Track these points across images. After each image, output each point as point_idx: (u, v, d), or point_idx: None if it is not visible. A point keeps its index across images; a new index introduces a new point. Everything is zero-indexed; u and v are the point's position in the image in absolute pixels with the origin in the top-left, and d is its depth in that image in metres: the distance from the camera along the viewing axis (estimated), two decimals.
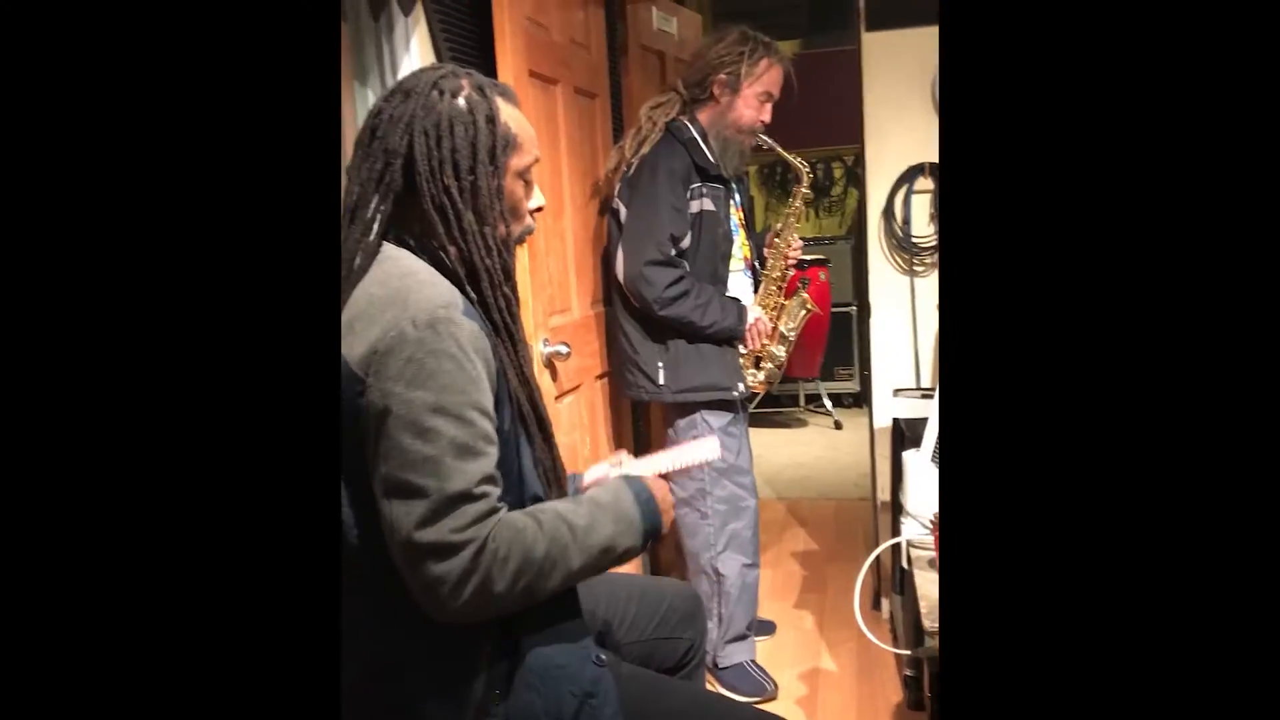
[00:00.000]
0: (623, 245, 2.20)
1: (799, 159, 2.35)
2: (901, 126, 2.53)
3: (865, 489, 3.78)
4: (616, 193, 2.27)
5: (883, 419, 2.63)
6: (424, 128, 1.08)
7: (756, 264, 2.45)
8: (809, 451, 4.52)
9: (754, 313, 2.30)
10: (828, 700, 2.25)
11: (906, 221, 2.58)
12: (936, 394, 1.92)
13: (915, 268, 2.60)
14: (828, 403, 5.11)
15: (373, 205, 1.09)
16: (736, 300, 2.28)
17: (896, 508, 2.14)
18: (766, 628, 2.60)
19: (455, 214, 1.09)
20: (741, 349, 2.31)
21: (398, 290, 1.03)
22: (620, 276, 2.21)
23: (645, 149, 2.22)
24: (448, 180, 1.08)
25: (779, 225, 2.40)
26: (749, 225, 2.43)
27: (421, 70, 1.14)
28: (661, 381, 2.22)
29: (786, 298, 2.40)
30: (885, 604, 2.67)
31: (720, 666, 2.30)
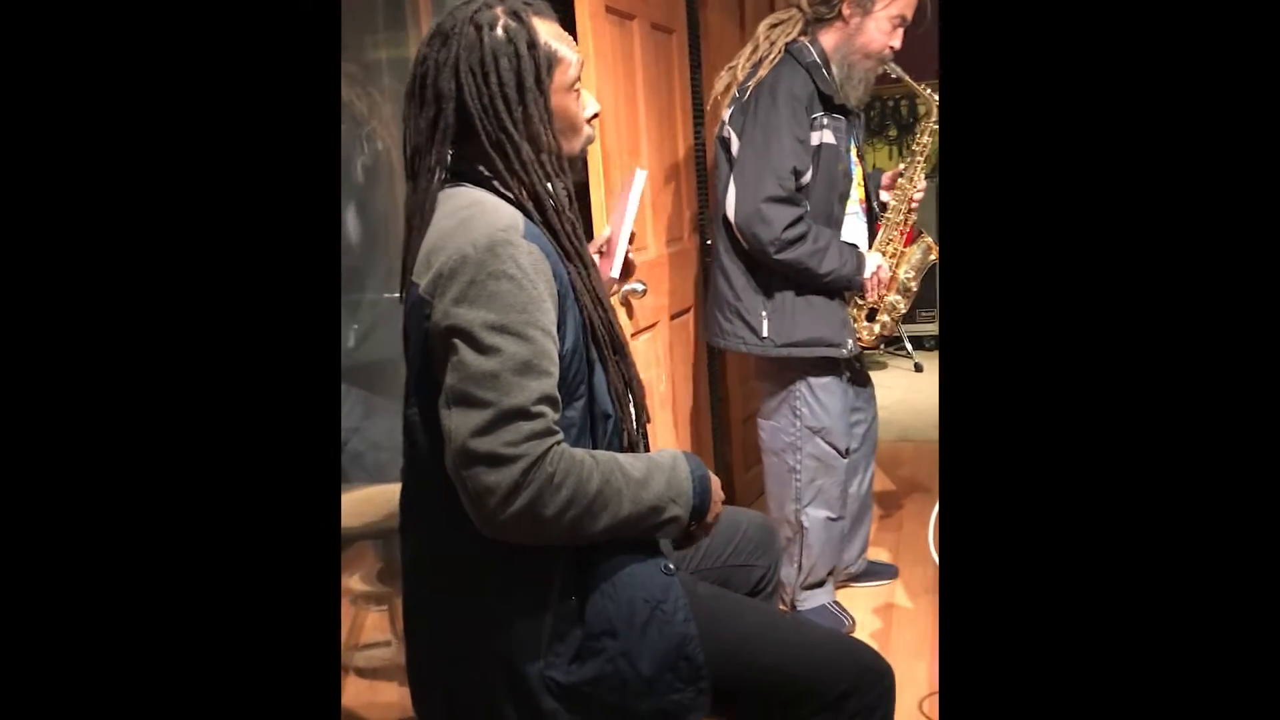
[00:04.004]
0: (735, 180, 2.01)
1: (928, 88, 2.16)
2: None
3: None
4: (727, 119, 2.08)
5: None
6: (469, 66, 1.10)
7: (876, 206, 2.28)
8: (889, 394, 4.47)
9: (874, 260, 2.11)
10: (901, 634, 2.27)
11: None
12: None
13: None
14: (908, 345, 5.03)
15: (433, 155, 1.13)
16: (854, 246, 2.11)
17: None
18: (889, 571, 2.54)
19: (514, 147, 1.11)
20: (858, 299, 2.18)
21: (464, 220, 1.07)
22: (730, 214, 2.02)
23: (763, 71, 2.02)
24: (501, 115, 1.10)
25: (903, 165, 2.22)
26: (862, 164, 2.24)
27: (454, 9, 1.15)
28: (765, 334, 2.08)
29: (907, 244, 2.22)
30: None
31: (799, 608, 2.30)
